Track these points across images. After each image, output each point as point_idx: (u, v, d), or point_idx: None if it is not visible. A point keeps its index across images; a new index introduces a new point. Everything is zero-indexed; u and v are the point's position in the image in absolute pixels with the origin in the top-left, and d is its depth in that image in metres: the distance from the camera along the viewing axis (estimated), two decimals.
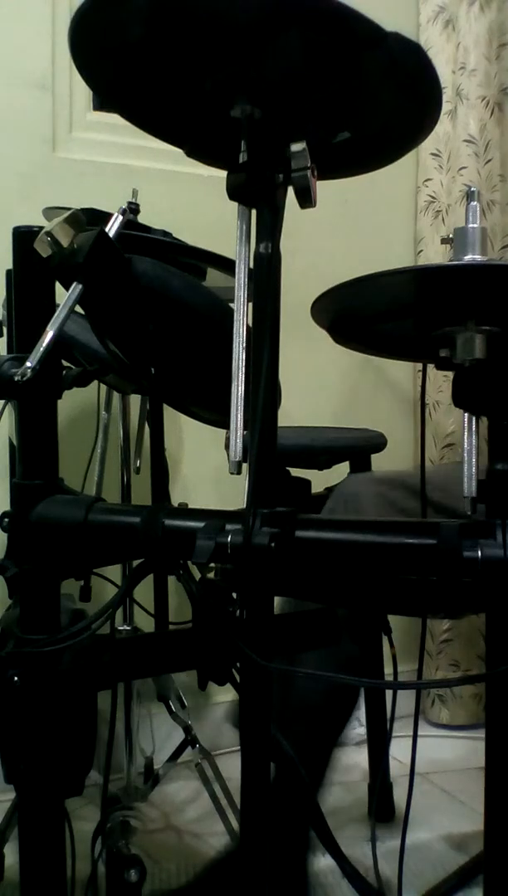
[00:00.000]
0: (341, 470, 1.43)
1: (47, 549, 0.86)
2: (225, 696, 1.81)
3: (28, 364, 0.76)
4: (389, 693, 1.33)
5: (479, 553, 0.68)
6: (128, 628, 1.46)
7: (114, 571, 1.33)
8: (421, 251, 2.06)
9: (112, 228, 0.87)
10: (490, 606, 0.75)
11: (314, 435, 1.44)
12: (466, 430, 0.74)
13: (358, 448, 1.46)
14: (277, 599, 0.77)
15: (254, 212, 0.74)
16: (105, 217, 0.90)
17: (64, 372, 0.90)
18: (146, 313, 0.90)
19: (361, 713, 1.47)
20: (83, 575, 1.33)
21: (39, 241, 0.77)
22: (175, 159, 0.89)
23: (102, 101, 0.79)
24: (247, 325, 0.74)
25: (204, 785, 1.42)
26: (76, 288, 0.79)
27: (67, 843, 0.91)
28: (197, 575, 0.95)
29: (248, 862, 0.77)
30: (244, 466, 0.73)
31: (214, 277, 1.23)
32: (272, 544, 0.70)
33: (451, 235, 0.75)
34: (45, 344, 0.77)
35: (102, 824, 1.21)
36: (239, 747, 0.77)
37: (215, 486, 1.78)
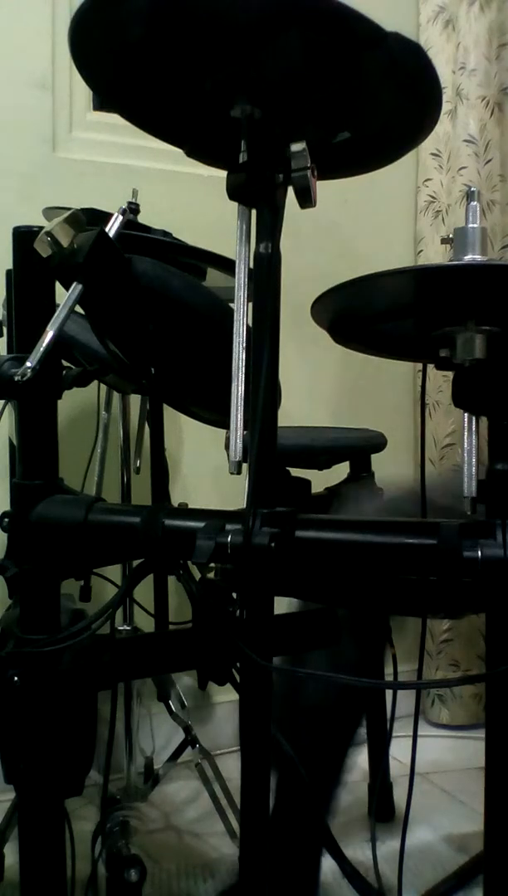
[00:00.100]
0: (341, 470, 1.43)
1: (47, 549, 0.86)
2: (225, 696, 1.81)
3: (28, 364, 0.76)
4: (389, 693, 1.33)
5: (479, 553, 0.68)
6: (128, 628, 1.46)
7: (114, 571, 1.33)
8: (421, 251, 2.06)
9: (112, 228, 0.87)
10: (490, 606, 0.75)
11: (314, 435, 1.44)
12: (466, 430, 0.74)
13: (358, 448, 1.45)
14: (290, 599, 0.77)
15: (254, 212, 0.74)
16: (105, 217, 0.90)
17: (64, 372, 0.90)
18: (146, 313, 0.90)
19: None
20: (83, 575, 1.33)
21: (39, 241, 0.77)
22: (175, 159, 0.89)
23: (102, 101, 0.79)
24: (247, 325, 0.74)
25: (204, 785, 1.42)
26: (76, 288, 0.79)
27: (67, 843, 0.91)
28: (197, 575, 0.95)
29: (248, 862, 0.77)
30: (244, 466, 0.73)
31: (214, 277, 1.23)
32: (272, 544, 0.70)
33: (451, 235, 0.75)
34: (45, 344, 0.77)
35: (102, 824, 1.21)
36: (239, 747, 0.77)
37: (215, 486, 1.78)
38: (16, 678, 0.85)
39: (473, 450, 0.73)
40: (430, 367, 0.85)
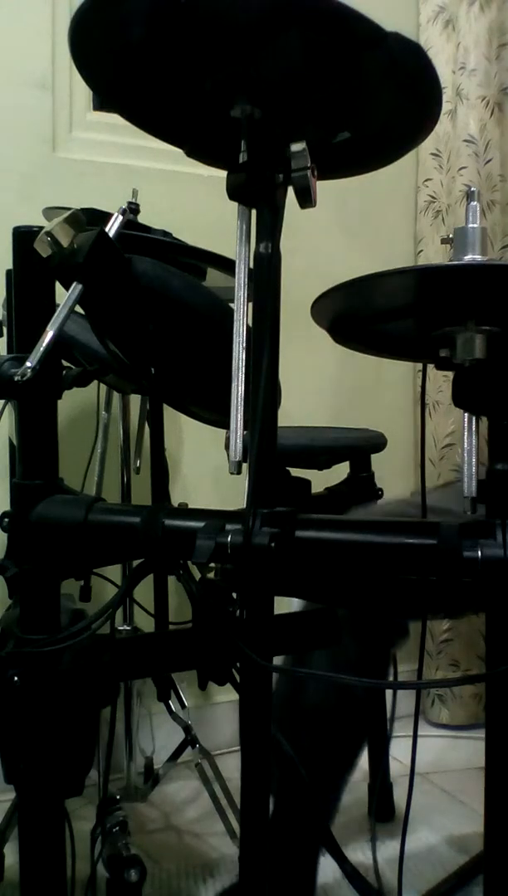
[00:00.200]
0: (341, 470, 1.43)
1: (47, 549, 0.86)
2: (225, 696, 1.81)
3: (28, 364, 0.76)
4: (389, 693, 1.33)
5: (479, 553, 0.68)
6: (128, 628, 1.46)
7: (114, 571, 1.33)
8: (421, 251, 2.06)
9: (112, 228, 0.87)
10: (490, 606, 0.75)
11: (314, 435, 1.44)
12: (466, 430, 0.74)
13: (358, 448, 1.45)
14: (291, 599, 0.77)
15: (254, 212, 0.74)
16: (105, 217, 0.90)
17: (64, 372, 0.90)
18: (146, 313, 0.90)
19: None
20: (83, 575, 1.33)
21: (39, 241, 0.77)
22: (175, 159, 0.89)
23: (102, 101, 0.79)
24: (247, 325, 0.74)
25: (204, 785, 1.42)
26: (76, 288, 0.79)
27: (67, 843, 0.91)
28: (197, 575, 0.95)
29: (248, 862, 0.77)
30: (244, 466, 0.72)
31: (214, 277, 1.23)
32: (272, 544, 0.70)
33: (451, 235, 0.75)
34: (45, 344, 0.77)
35: (102, 824, 1.21)
36: (239, 747, 0.77)
37: (215, 486, 1.78)
38: (16, 678, 0.85)
39: (473, 450, 0.73)
40: (430, 367, 0.85)
